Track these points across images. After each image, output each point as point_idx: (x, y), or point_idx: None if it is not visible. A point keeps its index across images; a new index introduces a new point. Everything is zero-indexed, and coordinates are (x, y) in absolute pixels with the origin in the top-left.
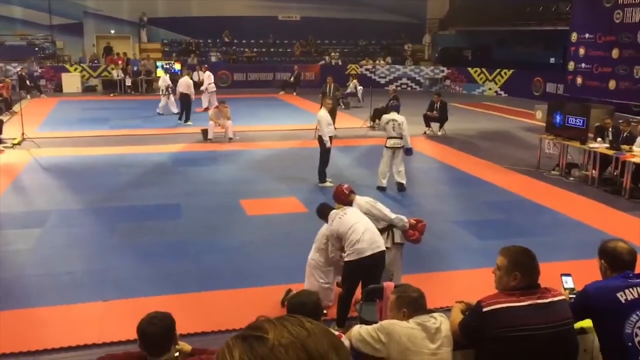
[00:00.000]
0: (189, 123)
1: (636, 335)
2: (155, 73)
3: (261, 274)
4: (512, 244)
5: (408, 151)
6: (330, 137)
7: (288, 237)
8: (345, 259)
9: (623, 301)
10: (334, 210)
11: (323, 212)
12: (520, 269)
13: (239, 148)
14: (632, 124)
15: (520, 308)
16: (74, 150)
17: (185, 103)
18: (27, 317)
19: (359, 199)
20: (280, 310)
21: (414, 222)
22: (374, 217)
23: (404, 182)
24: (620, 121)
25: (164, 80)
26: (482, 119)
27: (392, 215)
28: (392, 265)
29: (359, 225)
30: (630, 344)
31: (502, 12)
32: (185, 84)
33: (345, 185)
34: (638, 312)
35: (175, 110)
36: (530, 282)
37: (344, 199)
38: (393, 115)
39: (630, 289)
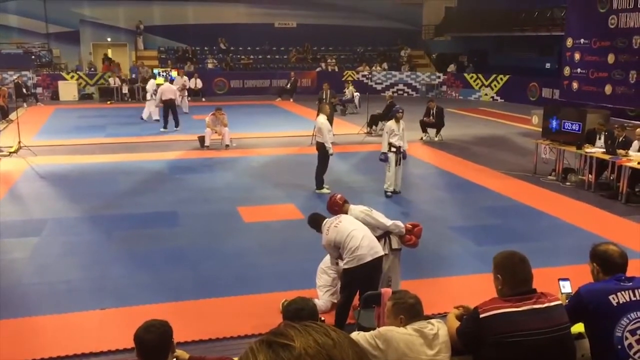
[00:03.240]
0: (177, 129)
1: (626, 338)
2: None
3: (259, 281)
4: (508, 249)
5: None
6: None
7: (286, 244)
8: (345, 267)
9: (615, 304)
10: (328, 219)
11: (316, 222)
12: (501, 271)
13: (236, 155)
14: (628, 128)
15: (517, 313)
16: (70, 158)
17: (172, 109)
18: (25, 326)
19: (353, 209)
20: (279, 317)
21: (410, 226)
22: (370, 226)
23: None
24: (616, 126)
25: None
26: (479, 124)
27: (389, 223)
28: (390, 271)
29: (357, 232)
30: (619, 347)
31: (498, 18)
32: (171, 90)
33: (339, 196)
34: (629, 316)
35: (155, 117)
36: (515, 285)
37: (338, 209)
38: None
39: (622, 292)
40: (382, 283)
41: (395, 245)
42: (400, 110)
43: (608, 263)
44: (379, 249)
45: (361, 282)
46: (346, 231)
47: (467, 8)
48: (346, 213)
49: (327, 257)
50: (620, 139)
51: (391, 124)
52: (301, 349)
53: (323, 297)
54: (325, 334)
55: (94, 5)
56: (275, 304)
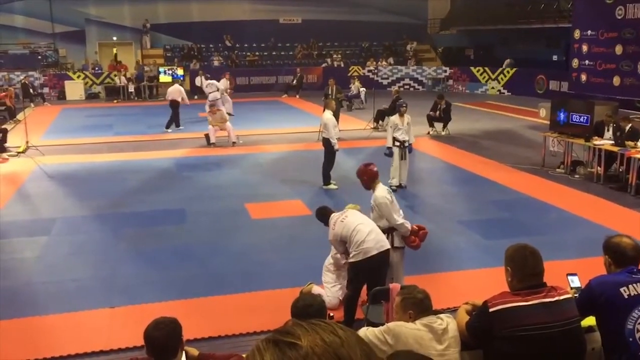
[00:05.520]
0: (181, 128)
1: (637, 331)
2: (158, 79)
3: (267, 278)
4: (520, 242)
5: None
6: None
7: (293, 240)
8: (351, 260)
9: (626, 296)
10: (334, 214)
11: (324, 215)
12: (511, 263)
13: (243, 152)
14: (636, 119)
15: (527, 307)
16: (78, 157)
17: (174, 110)
18: (35, 325)
19: (380, 188)
20: (287, 313)
21: (416, 228)
22: (379, 213)
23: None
24: (620, 117)
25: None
26: (486, 118)
27: (398, 220)
28: (393, 269)
29: (363, 226)
30: (631, 339)
31: (504, 10)
32: (176, 90)
33: (376, 169)
34: None
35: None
36: (524, 278)
37: (367, 179)
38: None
39: (634, 285)
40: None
41: (397, 243)
42: (404, 105)
43: (620, 255)
44: (384, 243)
45: (368, 275)
46: (352, 225)
47: (472, 1)
48: (374, 188)
49: (330, 255)
50: (626, 130)
51: (395, 118)
52: (308, 348)
53: (330, 293)
54: (333, 332)
55: (100, 4)
56: (283, 300)
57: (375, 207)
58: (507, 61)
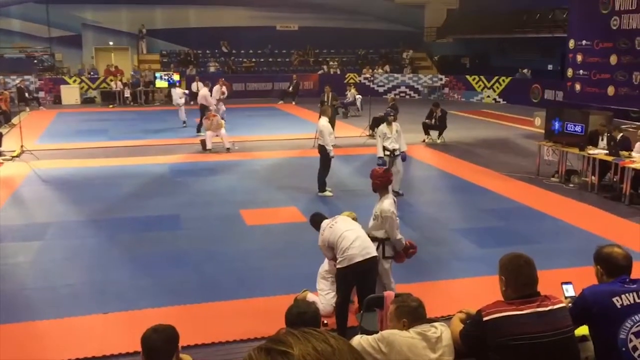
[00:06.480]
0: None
1: (630, 340)
2: (154, 84)
3: (262, 284)
4: (515, 252)
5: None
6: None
7: (288, 247)
8: (338, 266)
9: (619, 306)
10: (325, 220)
11: (316, 222)
12: (505, 273)
13: (238, 158)
14: (630, 129)
15: (521, 316)
16: (73, 162)
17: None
18: (28, 330)
19: (388, 199)
20: (281, 320)
21: (408, 244)
22: (381, 225)
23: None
24: (612, 127)
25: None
26: (481, 126)
27: (399, 236)
28: (383, 277)
29: (349, 233)
30: (624, 349)
31: (499, 19)
32: (201, 95)
33: (392, 178)
34: (633, 318)
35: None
36: (518, 287)
37: (379, 184)
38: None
39: (627, 295)
40: (378, 288)
41: (387, 253)
42: (391, 114)
43: (612, 265)
44: (370, 250)
45: (354, 281)
46: (339, 231)
47: (468, 10)
48: (383, 196)
49: (325, 262)
50: (617, 139)
51: (383, 127)
52: (300, 357)
53: (325, 300)
54: (325, 340)
55: (96, 9)
56: (278, 306)
57: (380, 217)
58: (524, 71)
